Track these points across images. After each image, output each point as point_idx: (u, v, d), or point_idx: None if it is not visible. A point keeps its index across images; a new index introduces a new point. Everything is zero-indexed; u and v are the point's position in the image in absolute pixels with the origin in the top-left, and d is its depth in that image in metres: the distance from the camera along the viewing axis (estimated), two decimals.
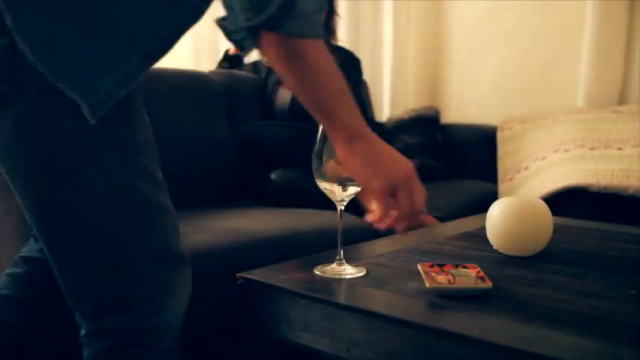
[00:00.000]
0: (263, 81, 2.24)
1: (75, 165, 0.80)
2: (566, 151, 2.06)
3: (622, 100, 2.38)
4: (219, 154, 2.04)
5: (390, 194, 0.91)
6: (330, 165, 0.93)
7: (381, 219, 0.93)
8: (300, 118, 2.09)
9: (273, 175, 1.93)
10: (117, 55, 0.79)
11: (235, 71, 2.29)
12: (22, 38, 0.75)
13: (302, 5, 0.83)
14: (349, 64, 2.13)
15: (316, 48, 0.87)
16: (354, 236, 1.44)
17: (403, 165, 0.93)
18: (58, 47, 0.76)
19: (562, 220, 1.43)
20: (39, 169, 0.80)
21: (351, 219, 1.60)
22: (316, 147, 0.94)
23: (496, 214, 1.14)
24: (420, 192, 0.93)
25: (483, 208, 1.25)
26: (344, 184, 0.93)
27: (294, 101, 2.13)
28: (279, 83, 2.21)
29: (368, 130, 0.91)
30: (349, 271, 0.99)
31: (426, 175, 2.50)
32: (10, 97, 0.77)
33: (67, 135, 0.79)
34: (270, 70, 2.26)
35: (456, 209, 2.02)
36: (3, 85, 0.77)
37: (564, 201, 1.91)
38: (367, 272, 0.99)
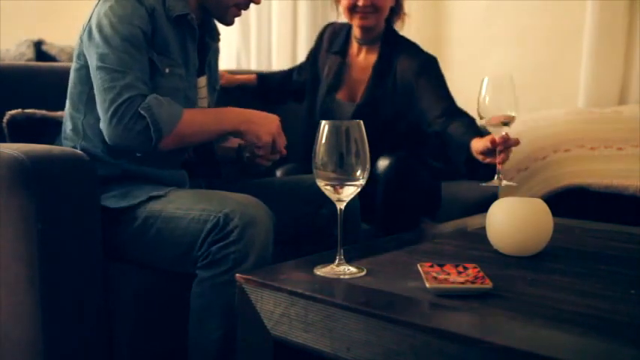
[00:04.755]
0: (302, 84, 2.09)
1: None
2: (566, 151, 2.06)
3: (622, 100, 2.37)
4: None
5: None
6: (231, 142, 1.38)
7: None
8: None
9: (278, 171, 1.95)
10: None
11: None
12: None
13: (165, 123, 1.22)
14: (429, 65, 2.00)
15: (184, 122, 1.26)
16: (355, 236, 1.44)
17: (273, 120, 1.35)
18: None
19: (562, 220, 1.43)
20: None
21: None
22: (316, 146, 0.94)
23: (496, 214, 1.14)
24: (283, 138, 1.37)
25: (483, 208, 1.24)
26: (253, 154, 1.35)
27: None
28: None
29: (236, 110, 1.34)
30: (349, 271, 0.99)
31: None
32: None
33: None
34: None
35: (456, 209, 2.02)
36: None
37: (564, 201, 1.91)
38: (367, 272, 0.99)
